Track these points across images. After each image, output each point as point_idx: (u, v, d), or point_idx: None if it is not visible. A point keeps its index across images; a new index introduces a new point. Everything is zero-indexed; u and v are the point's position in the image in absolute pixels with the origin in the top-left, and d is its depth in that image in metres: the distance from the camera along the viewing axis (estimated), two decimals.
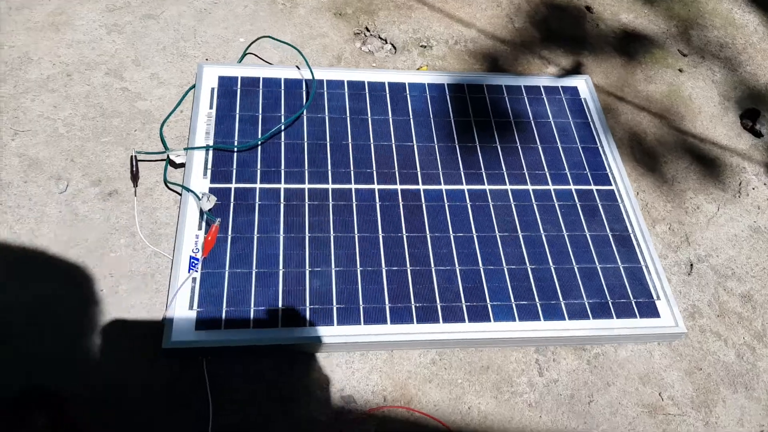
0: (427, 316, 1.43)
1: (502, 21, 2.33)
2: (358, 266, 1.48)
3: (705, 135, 2.10)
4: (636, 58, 2.28)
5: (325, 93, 1.83)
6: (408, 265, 1.50)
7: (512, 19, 2.35)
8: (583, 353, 1.51)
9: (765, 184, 2.00)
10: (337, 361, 1.39)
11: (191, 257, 1.40)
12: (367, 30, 2.21)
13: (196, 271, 1.39)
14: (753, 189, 1.98)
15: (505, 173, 1.74)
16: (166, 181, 1.60)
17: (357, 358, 1.40)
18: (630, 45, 2.32)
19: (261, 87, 1.80)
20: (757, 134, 2.12)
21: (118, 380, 1.30)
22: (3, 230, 1.47)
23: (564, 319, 1.48)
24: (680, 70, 2.29)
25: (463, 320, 1.43)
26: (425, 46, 2.19)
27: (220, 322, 1.33)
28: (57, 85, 1.77)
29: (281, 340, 1.33)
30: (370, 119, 1.79)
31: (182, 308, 1.34)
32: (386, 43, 2.18)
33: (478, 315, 1.45)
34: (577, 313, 1.49)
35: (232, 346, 1.30)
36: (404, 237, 1.56)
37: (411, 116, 1.82)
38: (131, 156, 1.58)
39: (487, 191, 1.69)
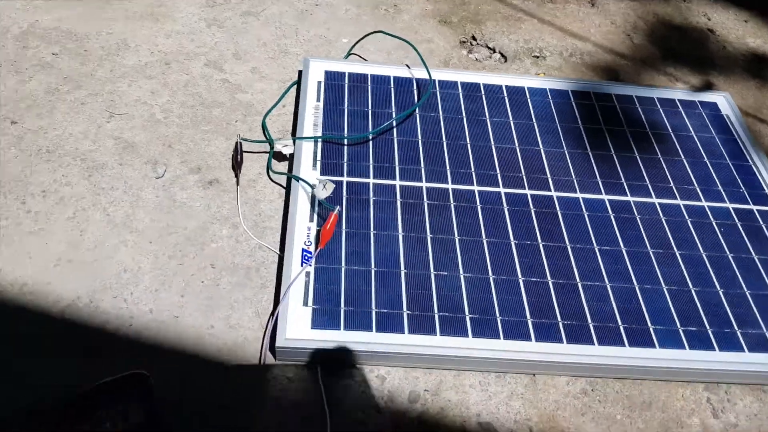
0: (578, 335, 1.19)
1: (619, 37, 2.16)
2: (491, 274, 1.26)
3: None
4: None
5: (438, 93, 1.66)
6: (549, 277, 1.28)
7: (630, 35, 2.18)
8: (763, 395, 1.24)
9: None
10: (469, 382, 1.16)
11: (304, 250, 1.21)
12: (474, 39, 2.06)
13: (309, 265, 1.20)
14: None
15: (649, 185, 1.52)
16: (270, 172, 1.44)
17: (492, 380, 1.17)
18: (763, 69, 2.11)
19: (369, 83, 1.65)
20: None
21: (219, 383, 1.10)
22: (96, 212, 1.32)
23: (743, 350, 1.22)
24: None
25: (622, 344, 1.19)
26: (538, 56, 2.02)
27: (339, 322, 1.13)
28: (155, 72, 1.65)
29: (408, 350, 1.11)
30: (488, 120, 1.61)
31: (296, 304, 1.14)
32: (494, 52, 2.03)
33: (639, 339, 1.21)
34: (759, 346, 1.23)
35: (352, 349, 1.09)
36: (540, 245, 1.33)
37: (534, 120, 1.63)
38: (236, 142, 1.43)
39: (632, 203, 1.47)
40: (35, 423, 0.99)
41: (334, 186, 1.30)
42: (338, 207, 1.25)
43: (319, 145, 1.46)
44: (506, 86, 1.74)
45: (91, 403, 0.96)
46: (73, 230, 1.28)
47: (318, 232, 1.25)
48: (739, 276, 1.36)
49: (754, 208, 1.52)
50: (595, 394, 1.18)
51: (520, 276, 1.28)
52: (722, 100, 1.81)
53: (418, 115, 1.59)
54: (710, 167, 1.60)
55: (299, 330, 1.10)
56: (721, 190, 1.54)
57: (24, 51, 1.65)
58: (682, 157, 1.61)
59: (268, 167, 1.45)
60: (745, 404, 1.22)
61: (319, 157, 1.43)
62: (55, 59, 1.64)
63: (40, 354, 1.10)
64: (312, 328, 1.11)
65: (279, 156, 1.47)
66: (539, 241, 1.35)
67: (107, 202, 1.34)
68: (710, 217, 1.47)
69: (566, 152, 1.57)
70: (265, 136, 1.52)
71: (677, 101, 1.78)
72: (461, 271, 1.26)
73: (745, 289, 1.33)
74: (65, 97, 1.54)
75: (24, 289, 1.18)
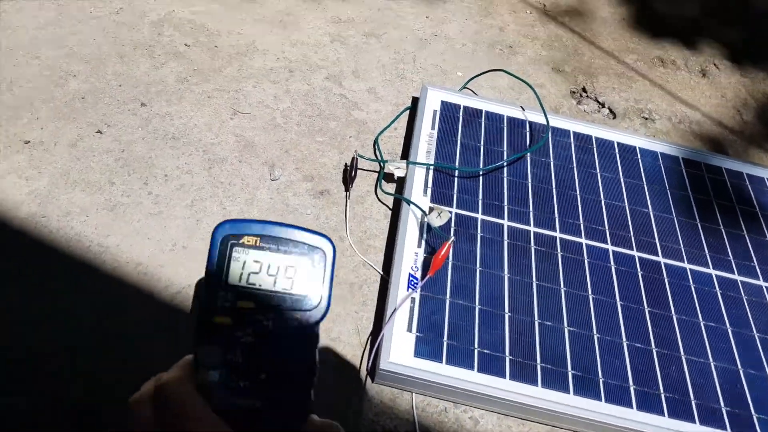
0: (679, 411, 1.15)
1: (729, 111, 2.12)
2: (594, 331, 1.23)
3: None
4: None
5: (550, 138, 1.65)
6: (653, 345, 1.24)
7: (740, 111, 2.13)
8: None
9: None
10: None
11: (410, 275, 1.20)
12: (584, 90, 2.05)
13: (415, 291, 1.19)
14: None
15: (757, 267, 1.47)
16: (378, 191, 1.45)
17: None
18: None
19: (483, 119, 1.65)
20: None
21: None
22: (213, 204, 1.34)
23: None
24: None
25: (724, 428, 1.14)
26: (647, 118, 2.00)
27: (442, 354, 1.11)
28: (279, 78, 1.69)
29: (508, 396, 1.08)
30: (599, 174, 1.59)
31: (400, 329, 1.13)
32: (603, 106, 2.01)
33: (742, 425, 1.16)
34: None
35: (453, 385, 1.07)
36: (646, 311, 1.30)
37: (644, 181, 1.60)
38: (353, 157, 1.44)
39: (739, 282, 1.42)
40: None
41: (450, 215, 1.30)
42: (453, 237, 1.24)
43: (431, 172, 1.46)
44: (617, 142, 1.72)
45: None
46: (191, 218, 1.31)
47: (425, 258, 1.25)
48: None
49: None
50: None
51: (624, 339, 1.24)
52: None
53: (528, 158, 1.59)
54: None
55: (402, 355, 1.10)
56: None
57: (159, 38, 1.71)
58: None
59: (378, 186, 1.46)
60: None
61: (430, 184, 1.43)
62: (188, 50, 1.70)
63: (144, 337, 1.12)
64: (415, 356, 1.10)
65: (388, 177, 1.48)
66: (645, 306, 1.32)
67: (224, 195, 1.37)
68: None
69: (675, 219, 1.54)
70: (377, 155, 1.53)
71: None
72: (566, 324, 1.24)
73: None
74: (193, 88, 1.59)
75: (138, 269, 1.21)
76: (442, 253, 1.20)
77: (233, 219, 0.44)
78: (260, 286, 0.43)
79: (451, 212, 1.34)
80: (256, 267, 0.43)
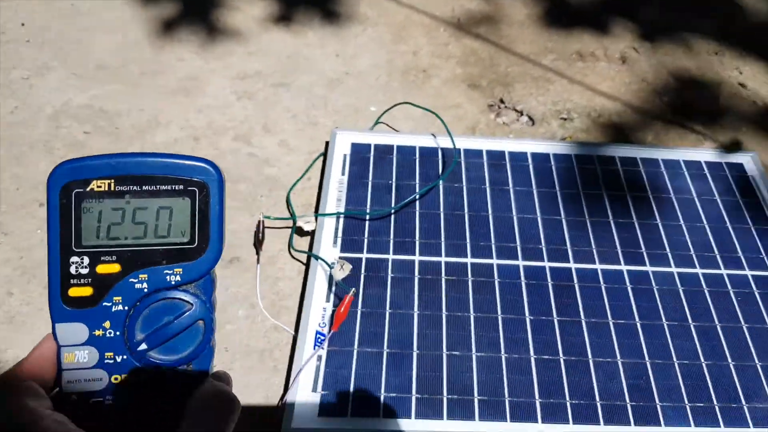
0: (584, 416, 1.20)
1: (650, 96, 2.16)
2: (503, 352, 1.28)
3: None
4: None
5: (462, 162, 1.70)
6: (561, 355, 1.29)
7: (660, 94, 2.17)
8: None
9: None
10: None
11: (317, 332, 1.26)
12: (502, 102, 2.10)
13: (322, 348, 1.24)
14: None
15: (669, 254, 1.51)
16: (291, 249, 1.50)
17: None
18: None
19: (395, 154, 1.70)
20: None
21: None
22: None
23: (748, 426, 1.20)
24: None
25: (627, 423, 1.19)
26: (566, 119, 2.04)
27: (347, 409, 1.16)
28: (184, 148, 1.75)
29: None
30: (511, 189, 1.63)
31: (305, 390, 1.19)
32: (522, 114, 2.06)
33: (646, 417, 1.21)
34: (765, 421, 1.21)
35: None
36: (555, 321, 1.35)
37: (557, 188, 1.65)
38: (259, 221, 1.49)
39: (650, 273, 1.47)
40: None
41: (351, 267, 1.35)
42: (353, 289, 1.30)
43: (341, 221, 1.51)
44: (531, 153, 1.76)
45: None
46: None
47: (333, 313, 1.30)
48: (752, 347, 1.34)
49: None
50: None
51: (532, 354, 1.29)
52: (748, 160, 1.79)
53: (441, 186, 1.63)
54: (732, 232, 1.58)
55: (306, 418, 1.15)
56: (741, 257, 1.52)
57: (57, 131, 1.76)
58: (705, 222, 1.60)
59: (290, 244, 1.51)
60: None
61: (340, 234, 1.49)
62: (87, 138, 1.75)
63: None
64: (319, 416, 1.15)
65: (301, 232, 1.53)
66: (554, 316, 1.37)
67: None
68: (728, 285, 1.46)
69: (588, 221, 1.58)
70: (289, 211, 1.59)
71: (703, 163, 1.77)
72: (474, 351, 1.29)
73: (757, 362, 1.32)
74: None
75: None
76: (343, 307, 1.25)
77: (73, 159, 0.35)
78: (126, 239, 0.36)
79: (353, 260, 1.39)
80: (117, 216, 0.36)
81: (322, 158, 1.74)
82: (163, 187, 0.35)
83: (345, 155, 1.68)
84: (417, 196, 1.59)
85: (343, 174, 1.63)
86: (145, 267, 0.36)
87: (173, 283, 0.36)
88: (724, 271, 1.49)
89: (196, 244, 0.36)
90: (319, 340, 1.25)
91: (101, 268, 0.36)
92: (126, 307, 0.36)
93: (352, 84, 2.06)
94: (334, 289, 1.34)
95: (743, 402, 1.25)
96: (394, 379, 1.22)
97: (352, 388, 1.20)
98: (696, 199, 1.66)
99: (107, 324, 0.36)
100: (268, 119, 1.89)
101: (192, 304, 0.37)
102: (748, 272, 1.50)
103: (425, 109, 1.87)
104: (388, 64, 2.15)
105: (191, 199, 0.35)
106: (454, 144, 1.70)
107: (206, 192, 0.35)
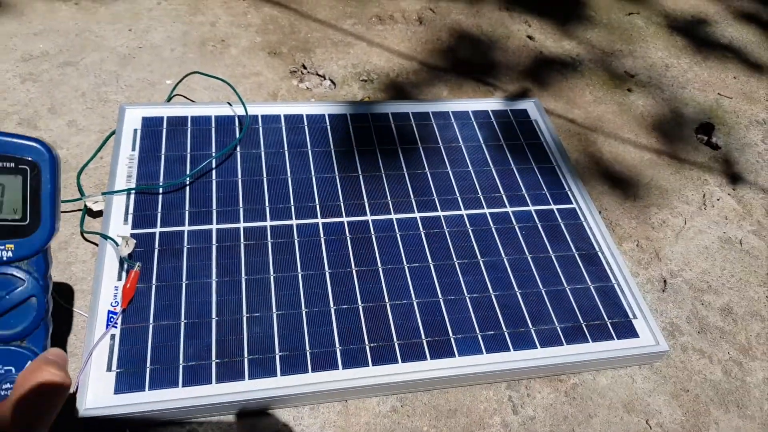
0: (383, 356, 1.27)
1: (445, 53, 2.28)
2: (303, 308, 1.32)
3: (663, 150, 2.03)
4: (583, 82, 2.23)
5: (260, 128, 1.70)
6: (359, 302, 1.35)
7: (454, 50, 2.29)
8: (560, 384, 1.36)
9: (729, 194, 1.92)
10: (283, 419, 1.21)
11: (109, 312, 1.22)
12: (304, 67, 2.12)
13: (115, 326, 1.21)
14: (717, 200, 1.90)
15: (459, 198, 1.62)
16: (83, 232, 1.43)
17: (306, 413, 1.22)
18: (576, 70, 2.28)
19: (189, 125, 1.67)
20: (714, 147, 2.06)
21: None
22: None
23: (536, 347, 1.33)
24: (629, 90, 2.24)
25: (424, 358, 1.27)
26: (366, 80, 2.10)
27: (144, 383, 1.15)
28: None
29: (216, 399, 1.14)
30: (310, 152, 1.66)
31: (99, 371, 1.15)
32: (324, 79, 2.09)
33: (441, 351, 1.29)
34: (550, 340, 1.35)
35: (157, 409, 1.11)
36: (354, 272, 1.40)
37: (354, 147, 1.70)
38: None
39: (442, 218, 1.56)
40: None
41: (135, 242, 1.32)
42: (139, 264, 1.27)
43: (132, 197, 1.47)
44: (328, 114, 1.80)
45: None
46: None
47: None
48: (536, 275, 1.48)
49: (554, 207, 1.65)
50: (404, 410, 1.26)
51: (332, 305, 1.34)
52: (532, 106, 1.95)
53: (239, 153, 1.62)
54: (516, 174, 1.72)
55: (101, 398, 1.12)
56: (525, 195, 1.67)
57: None
58: (492, 166, 1.73)
59: (82, 226, 1.45)
60: (543, 396, 1.33)
61: (131, 210, 1.44)
62: None
63: None
64: (115, 393, 1.13)
65: (91, 213, 1.47)
66: (353, 267, 1.42)
67: None
68: (513, 221, 1.59)
69: (383, 175, 1.65)
70: (80, 193, 1.51)
71: (489, 112, 1.90)
72: (274, 310, 1.31)
73: (541, 287, 1.45)
74: None
75: None
76: (129, 283, 1.22)
77: None
78: None
79: (142, 235, 1.36)
80: None
81: (114, 136, 1.67)
82: None
83: (135, 130, 1.62)
84: (213, 164, 1.57)
85: (133, 150, 1.57)
86: None
87: (5, 258, 0.36)
88: (509, 209, 1.62)
89: (28, 221, 0.36)
90: (112, 319, 1.21)
91: None
92: None
93: (146, 58, 1.98)
94: (125, 266, 1.30)
95: (530, 326, 1.38)
96: (192, 348, 1.21)
97: (148, 363, 1.18)
98: (483, 145, 1.78)
99: None
100: (55, 100, 1.78)
101: (24, 281, 0.37)
102: (531, 207, 1.64)
103: (216, 78, 1.84)
104: (184, 36, 2.09)
105: (23, 177, 0.35)
106: (246, 110, 1.70)
107: (38, 171, 0.35)
